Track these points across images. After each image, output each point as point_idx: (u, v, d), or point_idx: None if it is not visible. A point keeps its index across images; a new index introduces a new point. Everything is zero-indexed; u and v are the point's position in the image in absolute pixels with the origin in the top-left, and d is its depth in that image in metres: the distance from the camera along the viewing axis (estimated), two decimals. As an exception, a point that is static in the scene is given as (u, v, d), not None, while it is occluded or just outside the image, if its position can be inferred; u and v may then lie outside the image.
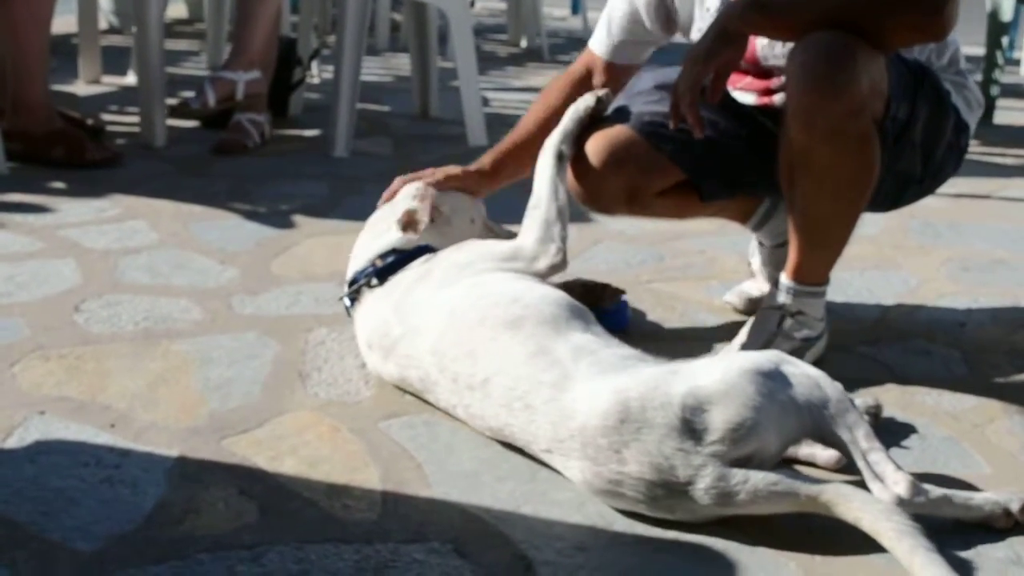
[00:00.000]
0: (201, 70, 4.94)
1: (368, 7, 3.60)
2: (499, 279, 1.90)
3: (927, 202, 3.33)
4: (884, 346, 2.29)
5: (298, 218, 2.94)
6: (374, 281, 2.04)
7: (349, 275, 2.13)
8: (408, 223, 2.12)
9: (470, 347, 1.78)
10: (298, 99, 4.12)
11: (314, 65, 4.56)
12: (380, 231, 2.14)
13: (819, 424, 1.62)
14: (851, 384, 2.07)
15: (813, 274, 2.13)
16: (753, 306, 2.39)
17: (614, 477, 1.58)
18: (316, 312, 2.33)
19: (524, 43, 6.21)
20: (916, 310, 2.50)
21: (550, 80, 2.40)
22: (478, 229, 2.22)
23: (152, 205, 2.99)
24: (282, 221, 2.92)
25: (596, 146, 2.17)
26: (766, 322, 2.15)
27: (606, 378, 1.64)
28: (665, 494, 1.55)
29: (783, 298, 2.13)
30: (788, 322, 2.13)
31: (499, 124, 4.05)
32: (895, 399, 2.03)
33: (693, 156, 2.18)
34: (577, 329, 1.77)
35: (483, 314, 1.80)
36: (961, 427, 1.95)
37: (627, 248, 2.82)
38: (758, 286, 2.46)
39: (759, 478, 1.53)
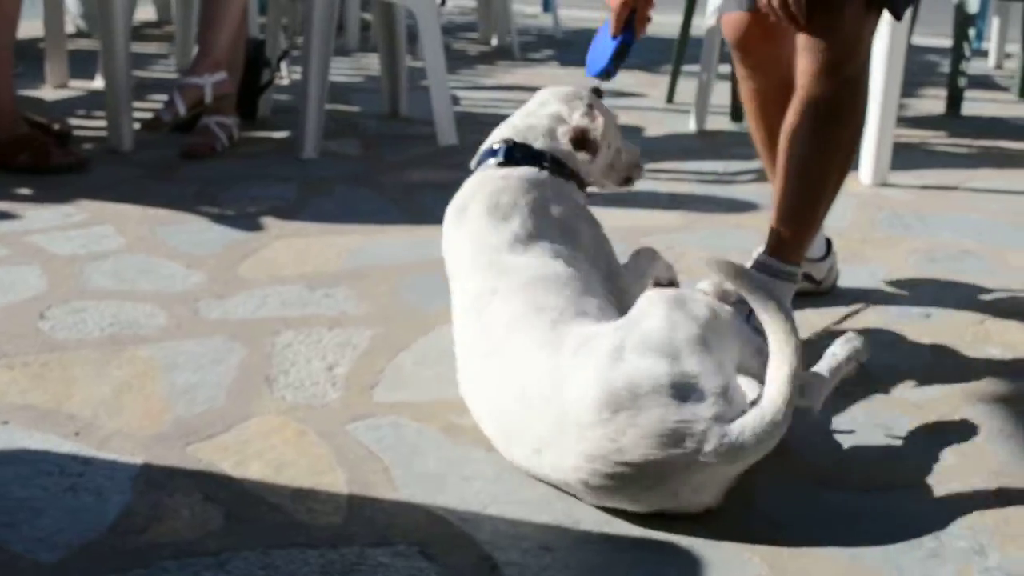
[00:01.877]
0: (170, 73, 4.93)
1: (336, 7, 3.59)
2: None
3: (895, 194, 3.38)
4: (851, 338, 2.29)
5: (266, 220, 2.93)
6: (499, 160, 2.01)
7: (499, 137, 2.07)
8: (579, 142, 2.04)
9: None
10: (267, 101, 4.11)
11: (283, 66, 4.55)
12: (551, 115, 2.06)
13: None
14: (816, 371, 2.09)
15: (790, 248, 2.17)
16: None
17: (614, 470, 1.56)
18: (283, 315, 2.32)
19: (495, 41, 6.21)
20: (883, 301, 2.51)
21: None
22: (611, 156, 2.14)
23: (119, 210, 2.97)
24: (250, 224, 2.91)
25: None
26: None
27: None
28: (670, 472, 1.54)
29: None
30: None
31: (470, 123, 4.05)
32: (862, 391, 2.04)
33: None
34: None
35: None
36: (926, 417, 1.95)
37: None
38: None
39: (751, 418, 1.55)
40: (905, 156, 3.73)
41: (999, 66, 6.06)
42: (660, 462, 1.53)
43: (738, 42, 2.34)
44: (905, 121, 4.32)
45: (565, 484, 1.64)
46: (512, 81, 5.12)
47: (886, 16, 2.17)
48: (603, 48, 2.30)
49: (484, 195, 1.96)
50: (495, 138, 2.09)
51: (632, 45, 2.28)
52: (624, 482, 1.56)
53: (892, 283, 2.63)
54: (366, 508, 1.62)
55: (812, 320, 2.38)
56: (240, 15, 3.53)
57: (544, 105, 2.11)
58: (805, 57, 2.10)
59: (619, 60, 2.27)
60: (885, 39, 3.37)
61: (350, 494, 1.66)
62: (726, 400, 1.55)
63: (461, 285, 1.92)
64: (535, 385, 1.65)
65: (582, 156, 2.05)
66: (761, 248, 2.22)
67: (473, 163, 2.10)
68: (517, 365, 1.69)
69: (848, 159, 2.20)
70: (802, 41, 2.09)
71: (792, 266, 2.20)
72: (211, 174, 3.36)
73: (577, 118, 2.06)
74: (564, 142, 2.05)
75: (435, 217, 2.99)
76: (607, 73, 2.28)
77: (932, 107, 4.90)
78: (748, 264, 2.17)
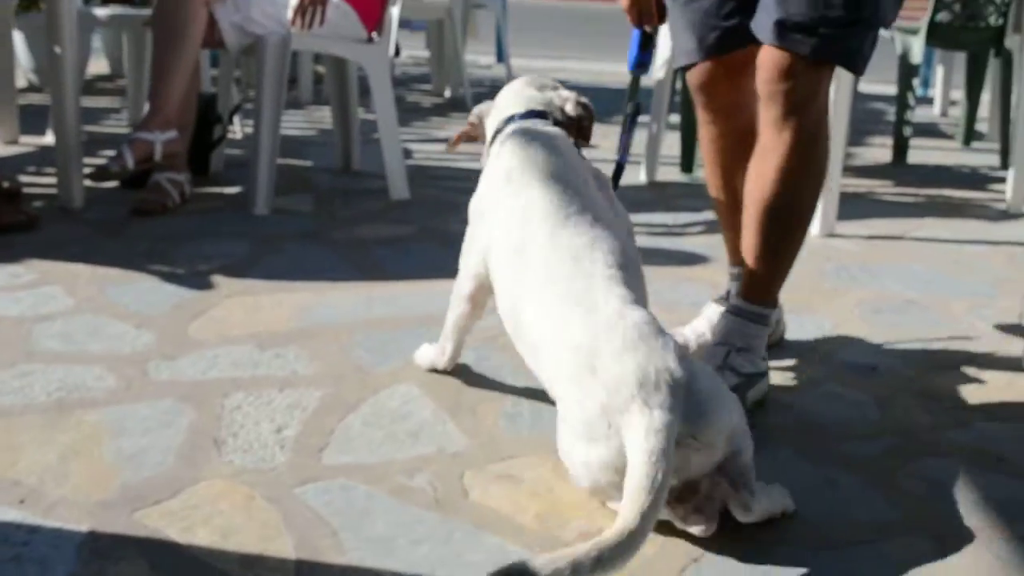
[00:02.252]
0: (122, 127, 4.92)
1: (288, 61, 3.60)
2: None
3: (842, 245, 3.42)
4: (797, 391, 2.32)
5: (217, 279, 2.93)
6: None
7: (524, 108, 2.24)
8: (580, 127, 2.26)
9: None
10: (219, 156, 4.11)
11: (236, 120, 4.56)
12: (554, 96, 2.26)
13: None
14: (764, 430, 2.11)
15: (763, 290, 2.24)
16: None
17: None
18: (233, 376, 2.31)
19: (448, 93, 6.25)
20: (830, 354, 2.54)
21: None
22: None
23: (69, 269, 2.96)
24: (200, 282, 2.90)
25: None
26: (712, 358, 2.22)
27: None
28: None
29: (729, 325, 2.24)
30: (734, 356, 2.19)
31: (422, 177, 4.08)
32: (806, 444, 2.06)
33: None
34: None
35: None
36: (872, 473, 1.98)
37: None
38: (693, 331, 2.48)
39: None
40: (852, 206, 3.79)
41: (944, 114, 6.17)
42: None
43: (702, 87, 2.40)
44: (852, 170, 4.39)
45: None
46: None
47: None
48: (633, 44, 2.49)
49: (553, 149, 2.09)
50: (517, 108, 2.23)
51: (652, 35, 2.47)
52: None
53: (839, 335, 2.66)
54: (314, 574, 1.62)
55: (760, 374, 2.40)
56: (192, 72, 3.53)
57: (543, 89, 2.29)
58: (765, 106, 2.17)
59: (645, 51, 2.47)
60: (831, 87, 3.42)
61: (298, 559, 1.65)
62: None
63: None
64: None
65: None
66: (729, 292, 2.26)
67: (498, 128, 2.25)
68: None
69: (812, 200, 2.25)
70: (762, 90, 2.15)
71: (765, 307, 2.26)
72: (162, 231, 3.36)
73: (571, 107, 2.26)
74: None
75: (386, 273, 3.02)
76: (642, 65, 2.48)
77: (879, 155, 4.98)
78: (720, 309, 2.23)
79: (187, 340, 2.51)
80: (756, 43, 2.28)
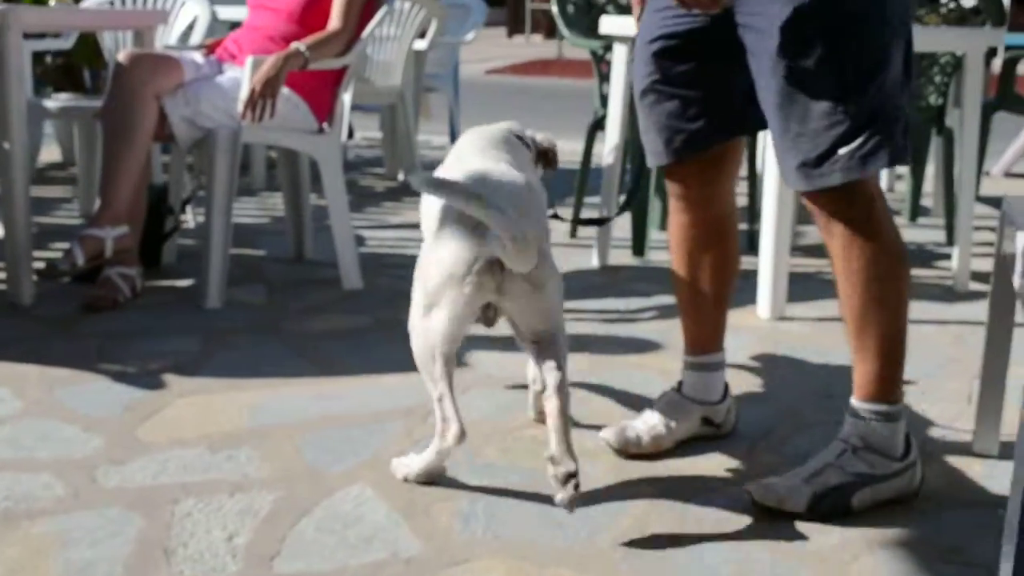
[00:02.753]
0: (74, 219, 4.90)
1: (238, 154, 3.61)
2: None
3: (792, 328, 3.45)
4: (751, 482, 2.32)
5: (168, 377, 2.91)
6: None
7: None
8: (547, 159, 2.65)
9: None
10: (171, 247, 4.10)
11: (188, 209, 4.55)
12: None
13: None
14: (717, 517, 2.11)
15: (872, 389, 2.22)
16: (629, 447, 2.43)
17: None
18: (183, 481, 2.29)
19: (401, 176, 6.27)
20: (782, 443, 2.56)
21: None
22: None
23: (17, 370, 2.93)
24: (151, 381, 2.88)
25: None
26: (828, 452, 2.25)
27: None
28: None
29: (847, 428, 2.25)
30: (847, 456, 2.21)
31: (375, 265, 4.09)
32: (760, 534, 2.06)
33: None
34: None
35: None
36: (827, 567, 1.98)
37: (498, 393, 2.84)
38: (645, 423, 2.49)
39: None
40: (802, 287, 3.83)
41: (891, 189, 6.26)
42: None
43: (673, 182, 2.43)
44: (801, 250, 4.44)
45: None
46: (418, 219, 5.14)
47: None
48: None
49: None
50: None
51: None
52: None
53: (791, 422, 2.68)
54: None
55: (717, 462, 2.41)
56: (142, 167, 3.53)
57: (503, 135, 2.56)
58: (827, 237, 2.20)
59: None
60: (776, 166, 3.48)
61: (249, 677, 1.63)
62: None
63: None
64: None
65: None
66: (860, 401, 2.25)
67: None
68: None
69: (893, 285, 2.20)
70: (820, 226, 2.20)
71: (899, 404, 2.25)
72: (113, 327, 3.33)
73: (542, 138, 2.64)
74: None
75: (338, 368, 3.01)
76: None
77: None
78: (856, 423, 2.25)
79: (137, 443, 2.48)
80: (724, 140, 2.32)
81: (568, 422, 2.08)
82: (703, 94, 2.30)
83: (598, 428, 2.53)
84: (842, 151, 2.09)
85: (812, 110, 2.10)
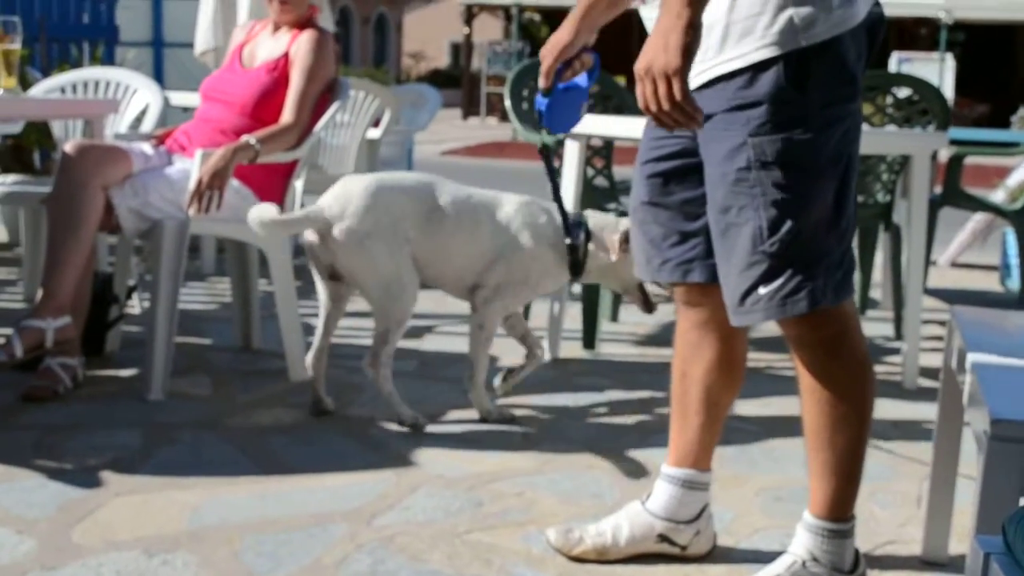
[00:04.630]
0: (17, 302, 4.83)
1: (185, 245, 3.56)
2: None
3: (741, 425, 3.43)
4: None
5: (106, 475, 2.83)
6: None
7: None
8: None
9: None
10: (115, 335, 4.03)
11: (135, 296, 4.49)
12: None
13: None
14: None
15: (828, 508, 2.22)
16: (570, 546, 2.39)
17: None
18: (117, 588, 2.22)
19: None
20: (729, 552, 2.52)
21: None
22: None
23: (-51, 466, 2.84)
24: (88, 479, 2.80)
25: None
26: (779, 564, 2.23)
27: None
28: None
29: (798, 540, 2.25)
30: (796, 568, 2.20)
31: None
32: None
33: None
34: None
35: None
36: None
37: (445, 494, 2.79)
38: (595, 528, 2.44)
39: None
40: (751, 383, 3.79)
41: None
42: None
43: (681, 294, 2.40)
44: (750, 343, 4.43)
45: None
46: (366, 307, 5.11)
47: None
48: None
49: None
50: None
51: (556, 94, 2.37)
52: None
53: (739, 527, 2.65)
54: None
55: (665, 568, 2.37)
56: (87, 257, 3.48)
57: None
58: (786, 337, 2.19)
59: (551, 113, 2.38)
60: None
61: None
62: None
63: None
64: None
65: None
66: (813, 517, 2.25)
67: None
68: None
69: (857, 407, 2.20)
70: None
71: (852, 520, 2.25)
72: (52, 420, 3.26)
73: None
74: None
75: (282, 466, 2.96)
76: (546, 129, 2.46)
77: (775, 327, 5.04)
78: (808, 537, 2.24)
79: (70, 547, 2.41)
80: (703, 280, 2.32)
81: None
82: (692, 224, 2.28)
83: (544, 529, 2.49)
84: (762, 291, 2.09)
85: (737, 248, 2.10)
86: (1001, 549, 1.40)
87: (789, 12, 2.02)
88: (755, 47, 2.03)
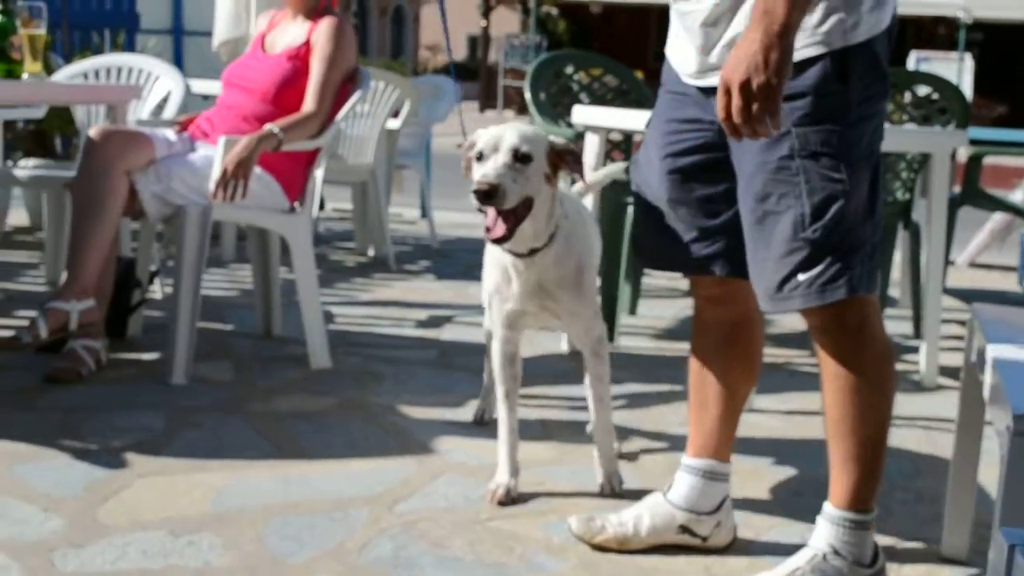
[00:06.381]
0: (40, 285, 4.86)
1: (208, 231, 3.59)
2: None
3: (761, 421, 3.45)
4: None
5: (131, 456, 2.86)
6: None
7: None
8: None
9: None
10: (138, 319, 4.06)
11: (156, 281, 4.52)
12: None
13: None
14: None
15: (848, 498, 2.23)
16: (592, 533, 2.41)
17: None
18: (143, 567, 2.25)
19: (372, 252, 6.26)
20: (748, 545, 2.54)
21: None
22: None
23: (-25, 445, 2.88)
24: (114, 460, 2.83)
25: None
26: (799, 557, 2.23)
27: None
28: None
29: (818, 532, 2.25)
30: (817, 561, 2.21)
31: (344, 344, 4.06)
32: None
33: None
34: None
35: None
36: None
37: (467, 481, 2.81)
38: (617, 517, 2.46)
39: None
40: (771, 378, 3.82)
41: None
42: None
43: (699, 286, 2.43)
44: (770, 339, 4.44)
45: None
46: (388, 296, 5.16)
47: None
48: None
49: None
50: None
51: None
52: None
53: (757, 523, 2.66)
54: None
55: (686, 561, 2.39)
56: (111, 241, 3.51)
57: None
58: (809, 327, 2.20)
59: None
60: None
61: None
62: None
63: None
64: None
65: None
66: (835, 508, 2.26)
67: None
68: None
69: (879, 398, 2.22)
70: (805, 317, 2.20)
71: (872, 512, 2.26)
72: (76, 401, 3.29)
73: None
74: None
75: (304, 452, 2.98)
76: None
77: (796, 323, 5.06)
78: (828, 529, 2.25)
79: (96, 526, 2.44)
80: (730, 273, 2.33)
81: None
82: (713, 221, 2.31)
83: (566, 518, 2.51)
84: (801, 277, 2.11)
85: (776, 236, 2.12)
86: (1026, 541, 1.41)
87: (839, 15, 2.08)
88: (804, 44, 2.07)
